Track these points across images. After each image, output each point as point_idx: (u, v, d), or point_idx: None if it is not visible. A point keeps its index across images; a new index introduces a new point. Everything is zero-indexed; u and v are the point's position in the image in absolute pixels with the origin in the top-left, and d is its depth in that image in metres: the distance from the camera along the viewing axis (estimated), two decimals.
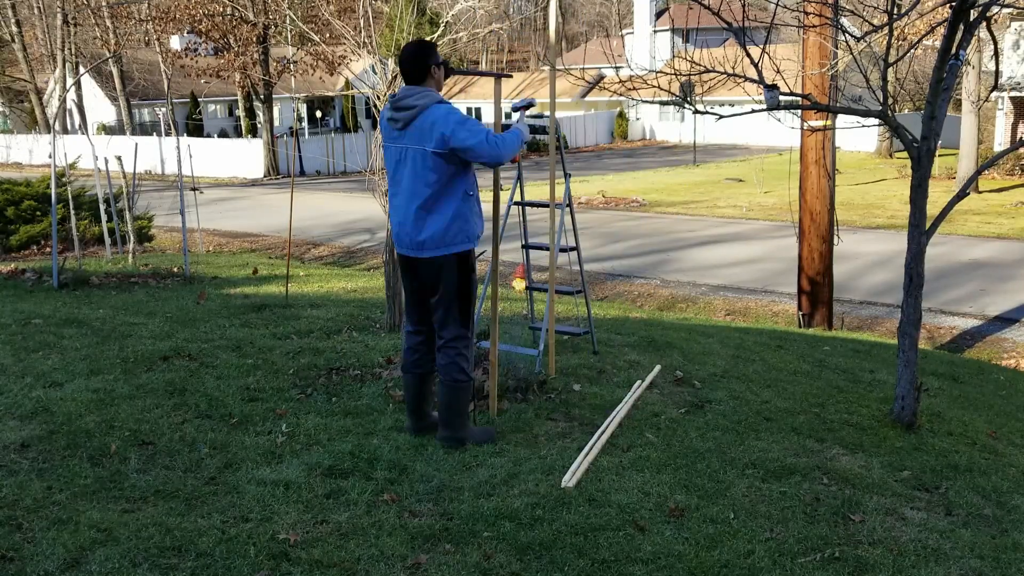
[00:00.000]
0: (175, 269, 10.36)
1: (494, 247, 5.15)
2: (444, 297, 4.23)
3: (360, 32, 6.79)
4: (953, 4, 4.71)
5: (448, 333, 4.26)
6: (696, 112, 5.56)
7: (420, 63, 4.16)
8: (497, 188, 4.92)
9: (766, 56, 5.00)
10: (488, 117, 48.39)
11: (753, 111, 5.41)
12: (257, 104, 34.57)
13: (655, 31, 48.94)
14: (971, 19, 4.77)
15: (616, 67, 7.65)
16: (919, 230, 5.05)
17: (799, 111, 7.71)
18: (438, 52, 4.27)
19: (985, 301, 12.03)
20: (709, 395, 5.47)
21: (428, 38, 6.70)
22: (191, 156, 16.32)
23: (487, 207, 4.88)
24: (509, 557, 3.29)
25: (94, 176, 11.76)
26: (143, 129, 43.61)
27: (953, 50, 4.76)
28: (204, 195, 23.96)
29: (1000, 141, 28.98)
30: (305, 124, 48.60)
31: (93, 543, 3.26)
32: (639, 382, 5.45)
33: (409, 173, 4.18)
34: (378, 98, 6.39)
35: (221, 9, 29.74)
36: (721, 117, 5.33)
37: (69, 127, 42.59)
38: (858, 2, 10.11)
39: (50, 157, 9.11)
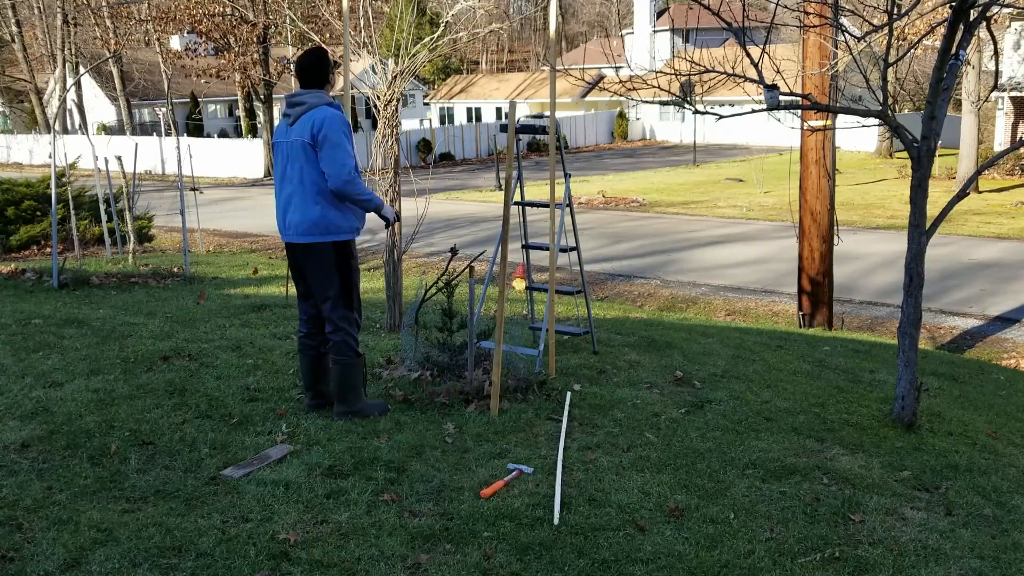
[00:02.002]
0: (175, 269, 10.36)
1: (503, 249, 5.14)
2: (324, 282, 4.52)
3: (360, 32, 6.79)
4: (953, 4, 4.71)
5: (335, 315, 4.55)
6: (696, 112, 5.56)
7: (321, 69, 4.53)
8: (509, 190, 4.91)
9: (766, 56, 5.00)
10: (488, 117, 48.41)
11: (753, 111, 5.41)
12: (257, 104, 34.58)
13: (655, 31, 48.96)
14: (971, 19, 4.77)
15: (616, 67, 7.66)
16: (919, 230, 5.05)
17: (799, 111, 7.71)
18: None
19: (987, 302, 12.03)
20: (709, 395, 5.47)
21: (428, 38, 6.70)
22: (191, 156, 16.33)
23: (481, 207, 4.86)
24: (509, 557, 3.29)
25: (94, 176, 11.76)
26: (143, 129, 43.62)
27: (953, 50, 4.76)
28: (204, 195, 23.97)
29: (1000, 141, 28.98)
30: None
31: (93, 543, 3.26)
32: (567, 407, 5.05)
33: (293, 165, 4.45)
34: (378, 98, 6.39)
35: (221, 9, 29.73)
36: (721, 117, 5.33)
37: (69, 127, 42.60)
38: (858, 2, 10.11)
39: (50, 157, 9.11)
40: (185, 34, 33.51)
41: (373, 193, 4.54)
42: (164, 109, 38.98)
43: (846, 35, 5.75)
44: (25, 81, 41.30)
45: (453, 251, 5.92)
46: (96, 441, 4.26)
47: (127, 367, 5.58)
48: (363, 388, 4.73)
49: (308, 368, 4.74)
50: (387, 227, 5.18)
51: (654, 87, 5.80)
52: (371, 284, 10.63)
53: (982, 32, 6.24)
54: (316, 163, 4.39)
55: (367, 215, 4.67)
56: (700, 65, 5.42)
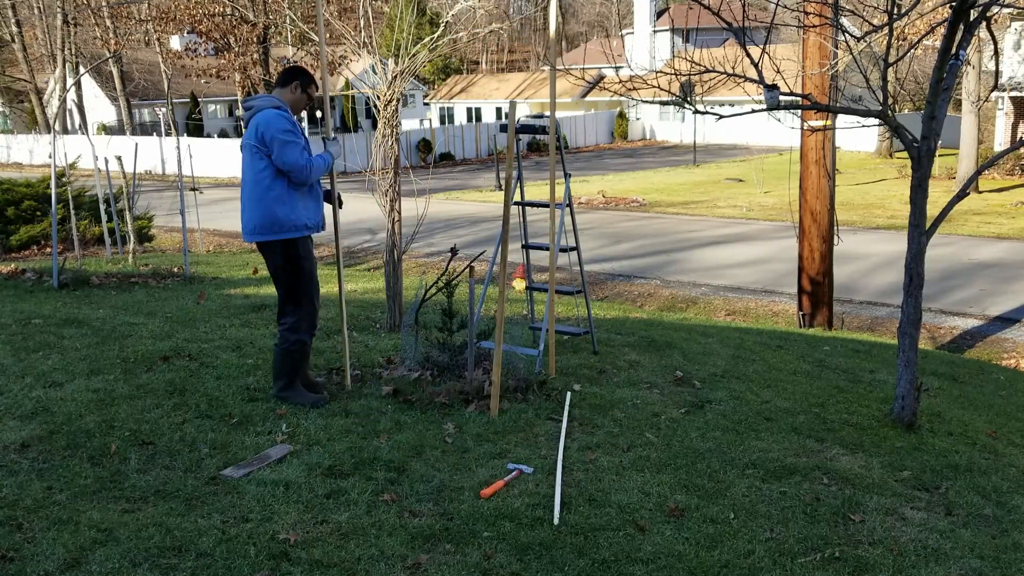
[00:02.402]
0: (175, 269, 10.36)
1: (503, 249, 5.14)
2: (275, 277, 4.81)
3: (360, 32, 6.79)
4: (953, 4, 4.71)
5: (286, 308, 4.84)
6: (696, 112, 5.56)
7: (289, 75, 4.78)
8: (509, 190, 4.91)
9: (766, 56, 5.00)
10: (488, 117, 48.42)
11: (753, 111, 5.41)
12: None
13: (655, 31, 48.93)
14: (971, 19, 4.77)
15: (616, 67, 7.66)
16: (919, 230, 5.05)
17: (799, 111, 7.71)
18: (310, 78, 4.82)
19: (986, 302, 12.02)
20: (709, 395, 5.47)
21: (428, 38, 6.70)
22: (191, 156, 16.34)
23: (481, 207, 4.88)
24: (509, 557, 3.29)
25: (94, 176, 11.76)
26: (143, 129, 43.63)
27: (953, 50, 4.76)
28: (204, 195, 23.97)
29: (1000, 141, 28.98)
30: (305, 124, 48.59)
31: (93, 543, 3.26)
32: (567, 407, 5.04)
33: (245, 166, 4.69)
34: (378, 98, 6.39)
35: (221, 9, 29.73)
36: (721, 117, 5.33)
37: (69, 127, 42.60)
38: (858, 2, 10.11)
39: (50, 157, 9.11)
40: (185, 34, 33.50)
41: (323, 157, 4.80)
42: (164, 109, 38.99)
43: (846, 35, 5.75)
44: (25, 81, 41.31)
45: (453, 251, 5.92)
46: (96, 441, 4.26)
47: (127, 367, 5.58)
48: (295, 378, 4.94)
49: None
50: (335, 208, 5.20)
51: (654, 87, 5.81)
52: (371, 284, 10.63)
53: (982, 32, 6.24)
54: (259, 163, 4.60)
55: (324, 212, 4.94)
56: (700, 65, 5.43)
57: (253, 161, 4.62)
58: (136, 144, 12.78)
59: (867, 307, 11.92)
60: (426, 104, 53.85)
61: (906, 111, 33.04)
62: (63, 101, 41.06)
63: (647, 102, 6.64)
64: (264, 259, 4.83)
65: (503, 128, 6.27)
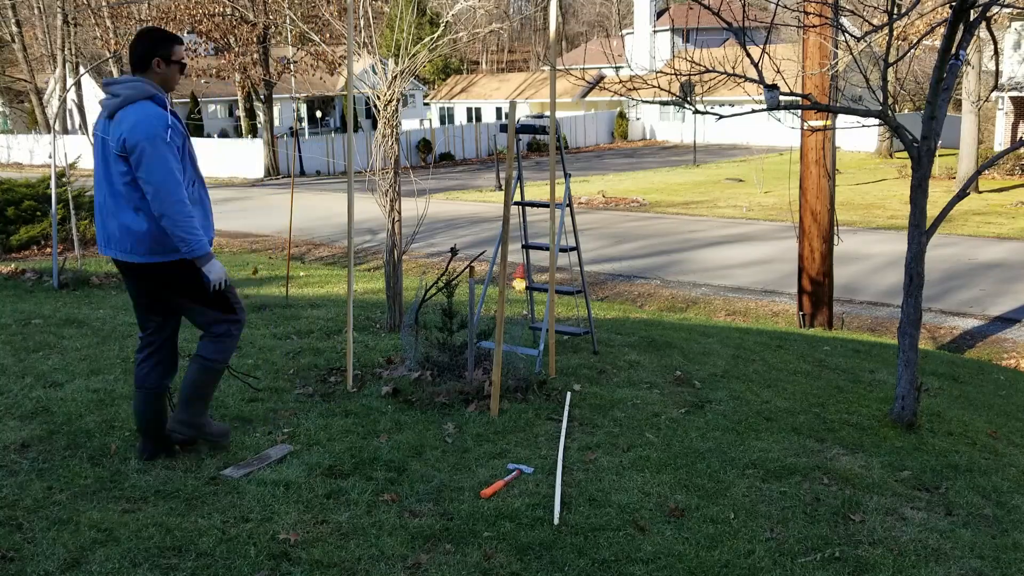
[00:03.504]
0: None
1: (503, 249, 5.15)
2: (184, 302, 3.92)
3: (360, 32, 6.79)
4: (953, 4, 4.71)
5: (211, 326, 4.00)
6: (696, 112, 5.57)
7: (141, 51, 3.75)
8: (509, 190, 4.91)
9: (766, 56, 5.00)
10: (488, 117, 48.40)
11: (753, 111, 5.41)
12: (257, 104, 34.59)
13: (655, 31, 48.94)
14: (971, 19, 4.77)
15: (616, 67, 7.66)
16: (919, 230, 5.05)
17: (799, 111, 7.71)
18: (174, 47, 3.79)
19: (987, 302, 12.02)
20: (709, 395, 5.47)
21: (428, 38, 6.70)
22: None
23: (481, 207, 4.87)
24: (509, 557, 3.29)
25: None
26: None
27: (953, 50, 4.76)
28: None
29: (1000, 141, 28.98)
30: (305, 124, 48.62)
31: (93, 543, 3.26)
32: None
33: (102, 166, 3.78)
34: (378, 98, 6.39)
35: (221, 9, 29.74)
36: (721, 117, 5.33)
37: (69, 127, 42.60)
38: (858, 2, 10.11)
39: (50, 157, 9.11)
40: (185, 34, 33.51)
41: (189, 225, 3.70)
42: None
43: (846, 35, 5.75)
44: (25, 81, 41.32)
45: (453, 251, 5.92)
46: (96, 441, 4.26)
47: (127, 367, 5.58)
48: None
49: (144, 407, 4.10)
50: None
51: (654, 87, 5.81)
52: (371, 284, 10.63)
53: (982, 32, 6.24)
54: (121, 166, 3.73)
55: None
56: (700, 65, 5.43)
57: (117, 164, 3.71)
58: None
59: (867, 307, 11.92)
60: (426, 104, 53.86)
61: (906, 111, 33.05)
62: (63, 101, 41.07)
63: (647, 102, 6.65)
64: (138, 281, 3.92)
65: (503, 128, 6.28)
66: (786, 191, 19.12)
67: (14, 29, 39.99)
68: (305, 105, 48.69)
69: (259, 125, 35.04)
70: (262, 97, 33.20)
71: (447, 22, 6.97)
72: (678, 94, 5.72)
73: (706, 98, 6.15)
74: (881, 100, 5.11)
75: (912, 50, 5.66)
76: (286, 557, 3.22)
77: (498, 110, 48.85)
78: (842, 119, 20.22)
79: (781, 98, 5.17)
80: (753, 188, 25.10)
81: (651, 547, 3.39)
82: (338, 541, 3.36)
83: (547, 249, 5.83)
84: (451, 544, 3.37)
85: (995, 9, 5.29)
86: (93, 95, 44.60)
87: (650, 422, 4.84)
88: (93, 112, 43.96)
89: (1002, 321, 11.20)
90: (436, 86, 57.44)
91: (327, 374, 5.52)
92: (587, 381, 5.57)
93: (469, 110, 50.47)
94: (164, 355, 4.05)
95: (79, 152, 19.51)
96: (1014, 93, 27.45)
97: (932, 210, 5.10)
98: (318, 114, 48.05)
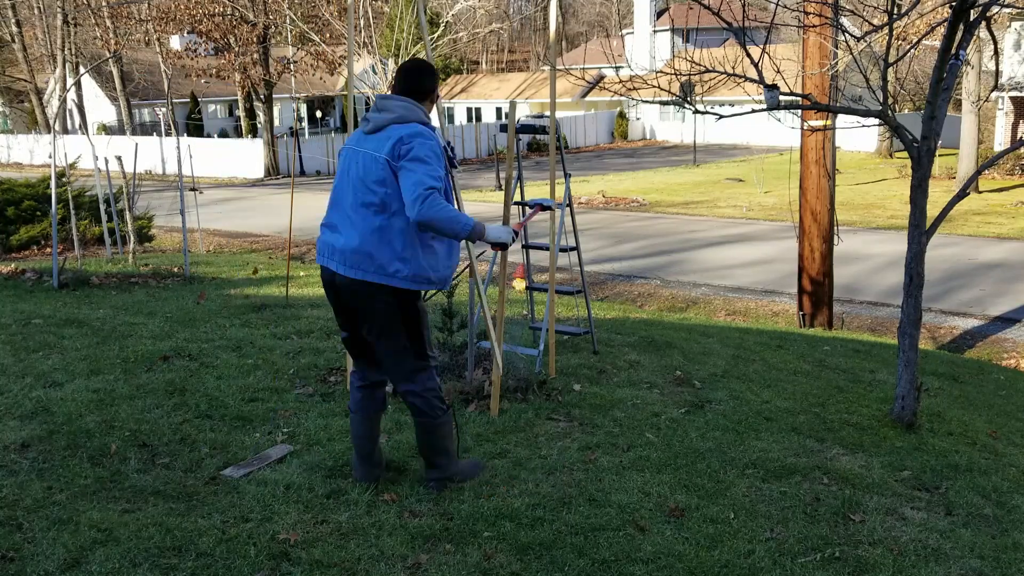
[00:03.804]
0: (175, 269, 10.35)
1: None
2: (384, 332, 3.66)
3: (360, 32, 6.78)
4: (953, 4, 4.71)
5: (407, 369, 3.68)
6: (696, 112, 5.57)
7: (421, 84, 3.96)
8: (509, 190, 4.92)
9: (766, 56, 5.00)
10: (488, 117, 48.38)
11: (753, 111, 5.41)
12: (257, 104, 34.59)
13: (655, 31, 48.93)
14: (971, 19, 4.77)
15: (616, 67, 7.66)
16: (919, 230, 5.05)
17: (799, 111, 7.71)
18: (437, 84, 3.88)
19: (987, 303, 12.02)
20: (709, 395, 5.47)
21: (428, 38, 6.69)
22: (191, 156, 16.32)
23: (481, 207, 4.86)
24: (509, 557, 3.29)
25: (94, 176, 11.76)
26: (143, 129, 43.64)
27: (953, 50, 4.76)
28: (204, 195, 23.95)
29: (1000, 141, 28.98)
30: (305, 124, 48.61)
31: (93, 543, 3.26)
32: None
33: (356, 181, 3.76)
34: None
35: (221, 9, 29.75)
36: (721, 117, 5.33)
37: (69, 127, 42.60)
38: (858, 2, 10.11)
39: (50, 157, 9.11)
40: (185, 34, 33.53)
41: (463, 216, 3.65)
42: (164, 109, 39.00)
43: (846, 35, 5.75)
44: (25, 81, 41.30)
45: None
46: (96, 441, 4.26)
47: (127, 367, 5.58)
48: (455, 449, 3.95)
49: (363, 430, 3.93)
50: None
51: (654, 87, 5.81)
52: None
53: (982, 32, 6.24)
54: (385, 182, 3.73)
55: None
56: (700, 65, 5.43)
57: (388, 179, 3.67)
58: (136, 144, 12.78)
59: (867, 307, 11.92)
60: None
61: (906, 111, 33.03)
62: (63, 101, 41.06)
63: (647, 102, 6.64)
64: (347, 300, 3.82)
65: (503, 128, 6.28)
66: (786, 191, 19.11)
67: (14, 29, 39.96)
68: (305, 105, 48.70)
69: (259, 125, 35.04)
70: (262, 97, 33.20)
71: (447, 22, 6.97)
72: (678, 94, 5.73)
73: (706, 98, 6.15)
74: (881, 100, 5.11)
75: (912, 50, 5.66)
76: (286, 557, 3.22)
77: (498, 110, 48.83)
78: (842, 119, 20.22)
79: (781, 98, 5.18)
80: (753, 188, 25.10)
81: (651, 547, 3.39)
82: (338, 541, 3.36)
83: (547, 249, 5.83)
84: (451, 544, 3.37)
85: (995, 9, 5.29)
86: (93, 95, 44.67)
87: (650, 422, 4.84)
88: (93, 112, 44.01)
89: (1002, 321, 11.20)
90: None
91: (327, 374, 5.52)
92: (587, 381, 5.57)
93: (469, 110, 50.45)
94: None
95: (79, 152, 19.52)
96: (1014, 93, 27.45)
97: (932, 210, 5.10)
98: (318, 114, 48.04)
